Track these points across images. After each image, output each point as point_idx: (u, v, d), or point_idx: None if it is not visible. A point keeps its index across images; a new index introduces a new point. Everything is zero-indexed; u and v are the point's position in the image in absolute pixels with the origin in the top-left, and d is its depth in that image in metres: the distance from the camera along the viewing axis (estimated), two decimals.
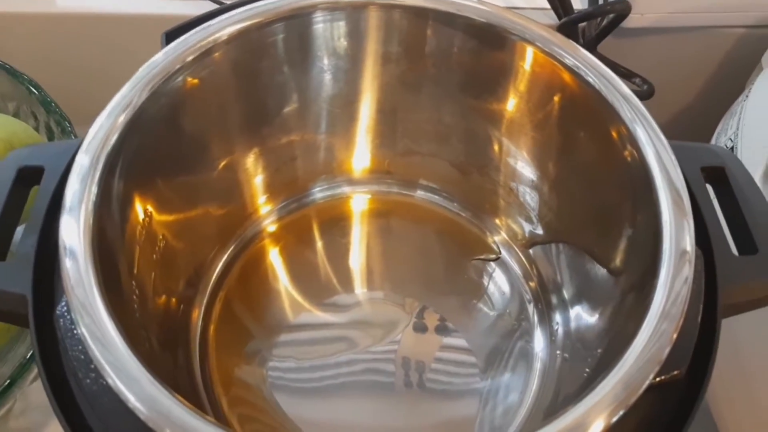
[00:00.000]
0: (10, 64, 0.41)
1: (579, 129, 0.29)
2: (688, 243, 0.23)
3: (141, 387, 0.19)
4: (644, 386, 0.19)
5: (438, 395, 0.30)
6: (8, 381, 0.30)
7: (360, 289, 0.34)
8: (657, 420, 0.22)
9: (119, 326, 0.20)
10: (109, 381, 0.19)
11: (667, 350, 0.20)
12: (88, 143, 0.24)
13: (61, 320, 0.22)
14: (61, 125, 0.39)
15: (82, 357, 0.20)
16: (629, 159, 0.26)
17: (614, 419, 0.19)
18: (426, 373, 0.31)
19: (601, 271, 0.29)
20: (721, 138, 0.39)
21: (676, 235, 0.23)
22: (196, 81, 0.28)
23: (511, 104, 0.32)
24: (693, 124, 0.49)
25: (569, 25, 0.42)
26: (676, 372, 0.21)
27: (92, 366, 0.20)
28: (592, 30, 0.43)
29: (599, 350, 0.26)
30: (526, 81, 0.30)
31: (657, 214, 0.23)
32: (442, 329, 0.32)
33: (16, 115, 0.41)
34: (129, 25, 0.43)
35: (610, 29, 0.42)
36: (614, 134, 0.27)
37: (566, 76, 0.28)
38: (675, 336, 0.20)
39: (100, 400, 0.20)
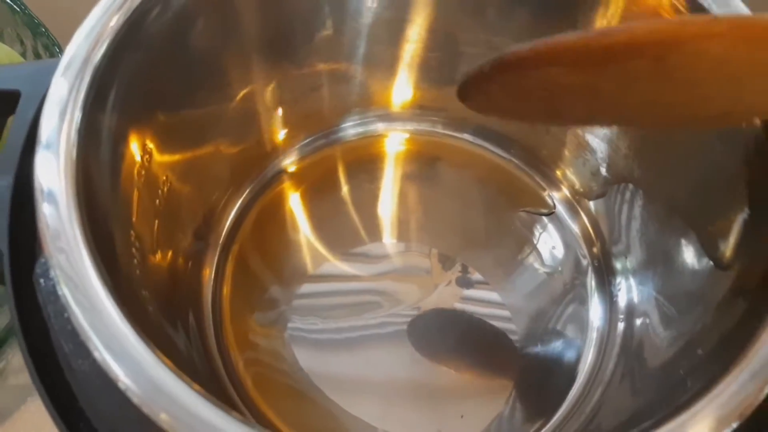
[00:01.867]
0: None
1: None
2: None
3: (140, 365, 0.16)
4: None
5: (471, 358, 0.28)
6: None
7: (389, 239, 0.31)
8: None
9: (112, 287, 0.17)
10: (97, 355, 0.16)
11: None
12: (72, 53, 0.19)
13: (42, 280, 0.18)
14: (50, 50, 0.35)
15: (69, 328, 0.17)
16: None
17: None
18: (459, 333, 0.29)
19: (695, 255, 0.25)
20: None
21: None
22: None
23: None
24: None
25: None
26: None
27: (80, 339, 0.16)
28: None
29: (690, 344, 0.22)
30: (621, 10, 0.25)
31: None
32: (480, 285, 0.29)
33: None
34: None
35: None
36: None
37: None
38: None
39: (92, 380, 0.17)
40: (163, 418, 0.15)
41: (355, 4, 0.28)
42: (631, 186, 0.28)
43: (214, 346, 0.27)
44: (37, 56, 0.36)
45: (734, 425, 0.16)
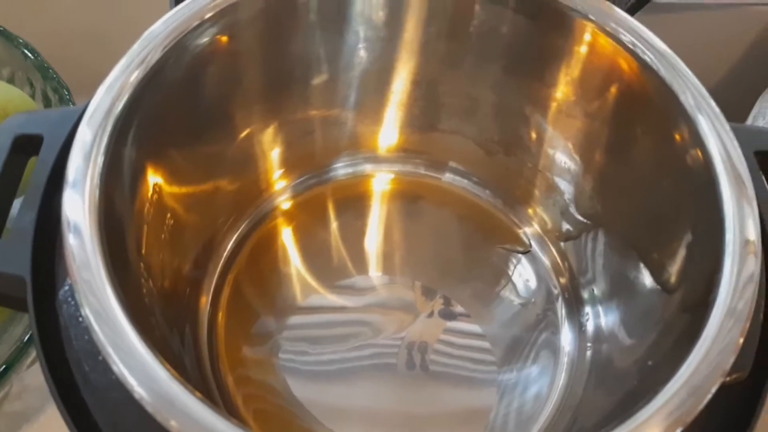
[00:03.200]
0: (4, 26, 0.38)
1: (635, 122, 0.27)
2: (753, 232, 0.21)
3: (153, 379, 0.18)
4: (711, 392, 0.18)
5: (453, 384, 0.30)
6: (4, 366, 0.29)
7: (375, 272, 0.32)
8: (716, 427, 0.20)
9: (128, 311, 0.19)
10: (115, 369, 0.18)
11: (734, 354, 0.18)
12: (96, 104, 0.21)
13: (65, 306, 0.20)
14: (59, 93, 0.37)
15: (89, 348, 0.18)
16: (688, 147, 0.24)
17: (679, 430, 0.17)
18: (441, 361, 0.30)
19: (649, 281, 0.27)
20: (759, 120, 0.37)
21: (740, 224, 0.21)
22: (217, 40, 0.26)
23: (561, 90, 0.30)
24: (726, 106, 0.47)
25: None
26: (738, 374, 0.19)
27: (100, 358, 0.18)
28: (622, 5, 0.41)
29: (643, 368, 0.24)
30: (581, 67, 0.28)
31: (719, 206, 0.21)
32: (460, 316, 0.31)
33: (10, 81, 0.39)
34: None
35: (642, 4, 0.40)
36: (674, 122, 0.25)
37: (625, 60, 0.26)
38: (742, 340, 0.19)
39: (109, 395, 0.18)
40: (173, 424, 0.17)
41: (347, 58, 0.31)
42: (594, 224, 0.31)
43: (209, 370, 0.28)
44: (46, 98, 0.38)
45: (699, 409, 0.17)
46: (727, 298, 0.20)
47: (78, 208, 0.20)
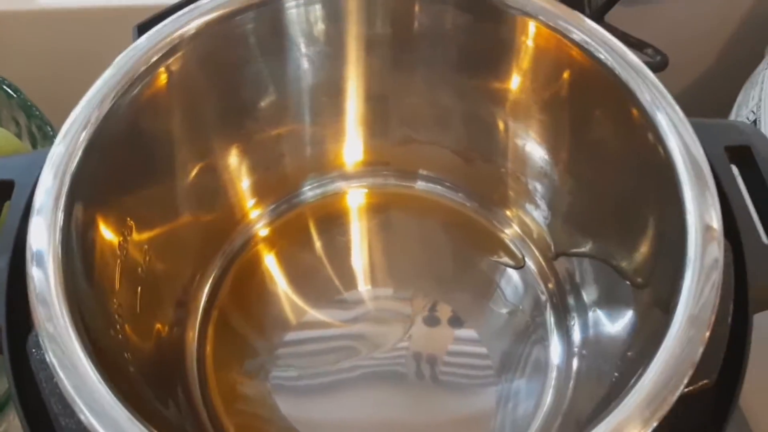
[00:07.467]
0: None
1: (592, 108, 0.27)
2: (714, 219, 0.21)
3: (115, 422, 0.18)
4: (672, 401, 0.18)
5: (449, 392, 0.30)
6: None
7: (364, 287, 0.32)
8: None
9: (93, 352, 0.19)
10: (81, 416, 0.18)
11: (696, 358, 0.18)
12: (45, 178, 0.22)
13: (34, 350, 0.20)
14: (43, 130, 0.38)
15: (58, 391, 0.19)
16: (648, 141, 0.24)
17: None
18: (438, 370, 0.30)
19: (622, 277, 0.27)
20: (742, 110, 0.36)
21: (700, 212, 0.21)
22: (161, 84, 0.26)
23: (515, 83, 0.30)
24: (711, 96, 0.46)
25: None
26: (705, 381, 0.19)
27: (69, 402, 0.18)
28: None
29: (624, 360, 0.24)
30: (529, 58, 0.28)
31: (680, 200, 0.21)
32: (452, 324, 0.31)
33: None
34: (102, 19, 0.41)
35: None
36: (630, 114, 0.25)
37: (574, 53, 0.26)
38: (707, 336, 0.19)
39: None
40: None
41: (293, 77, 0.31)
42: (574, 225, 0.30)
43: (200, 400, 0.28)
44: (32, 136, 0.39)
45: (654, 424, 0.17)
46: (691, 285, 0.20)
47: (42, 281, 0.20)
